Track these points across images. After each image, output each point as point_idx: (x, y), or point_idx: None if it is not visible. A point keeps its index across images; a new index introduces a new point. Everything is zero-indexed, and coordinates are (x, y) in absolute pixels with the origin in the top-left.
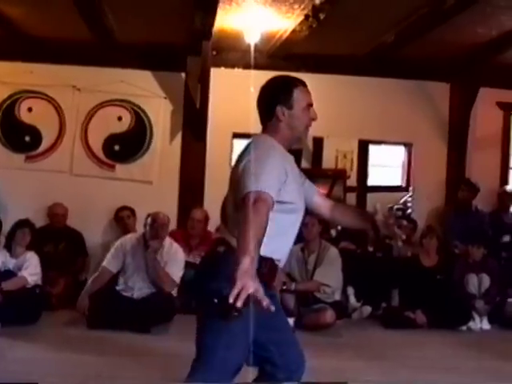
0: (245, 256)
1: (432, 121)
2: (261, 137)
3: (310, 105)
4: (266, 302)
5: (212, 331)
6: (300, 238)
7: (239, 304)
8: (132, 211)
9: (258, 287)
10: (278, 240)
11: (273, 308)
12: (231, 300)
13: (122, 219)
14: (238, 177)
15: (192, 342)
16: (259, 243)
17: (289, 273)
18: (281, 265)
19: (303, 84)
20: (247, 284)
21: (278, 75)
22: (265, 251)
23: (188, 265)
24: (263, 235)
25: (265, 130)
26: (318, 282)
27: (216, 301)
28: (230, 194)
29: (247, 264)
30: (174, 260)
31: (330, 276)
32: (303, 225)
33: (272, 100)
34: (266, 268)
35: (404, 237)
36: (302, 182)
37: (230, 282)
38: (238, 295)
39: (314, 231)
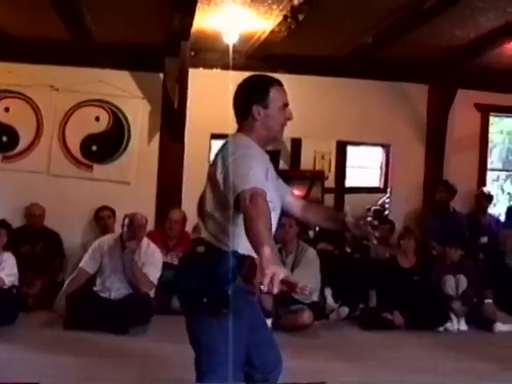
0: (263, 247)
1: (410, 122)
2: (237, 136)
3: (286, 104)
4: (299, 283)
5: (209, 330)
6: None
7: (275, 290)
8: (112, 211)
9: (287, 272)
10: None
11: (307, 290)
12: (265, 289)
13: (103, 219)
14: (216, 176)
15: (169, 343)
16: (270, 231)
17: None
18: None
19: (279, 83)
20: (276, 271)
21: (254, 74)
22: (244, 249)
23: (166, 265)
24: (271, 223)
25: (240, 129)
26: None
27: (205, 300)
28: (208, 191)
29: (268, 253)
30: (152, 261)
31: (308, 277)
32: (281, 226)
33: (248, 99)
34: (247, 266)
35: (377, 235)
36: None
37: (214, 280)
38: (271, 283)
39: (291, 232)
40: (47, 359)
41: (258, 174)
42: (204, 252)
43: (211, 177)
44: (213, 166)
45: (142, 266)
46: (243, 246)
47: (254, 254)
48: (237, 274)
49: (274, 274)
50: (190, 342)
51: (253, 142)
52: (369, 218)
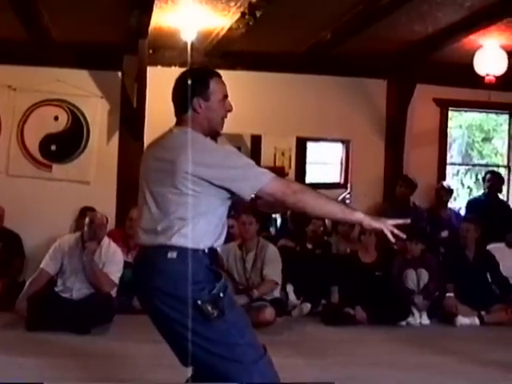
0: (352, 215)
1: (369, 117)
2: (186, 131)
3: (226, 96)
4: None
5: (218, 335)
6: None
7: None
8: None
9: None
10: (220, 230)
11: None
12: (393, 239)
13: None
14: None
15: (131, 342)
16: (329, 199)
17: (227, 270)
18: None
19: (218, 75)
20: (382, 224)
21: (192, 68)
22: (211, 243)
23: (126, 265)
24: (322, 195)
25: (181, 122)
26: (271, 280)
27: (200, 302)
28: (170, 193)
29: (361, 214)
30: (112, 260)
31: (270, 274)
32: (241, 223)
33: (188, 92)
34: (214, 258)
35: None
36: None
37: (201, 282)
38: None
39: (251, 230)
40: (9, 360)
41: (252, 162)
42: (177, 257)
43: (181, 179)
44: (169, 164)
45: (103, 265)
46: (209, 240)
47: (217, 246)
48: (215, 268)
49: (384, 226)
50: (199, 359)
51: (207, 139)
52: None
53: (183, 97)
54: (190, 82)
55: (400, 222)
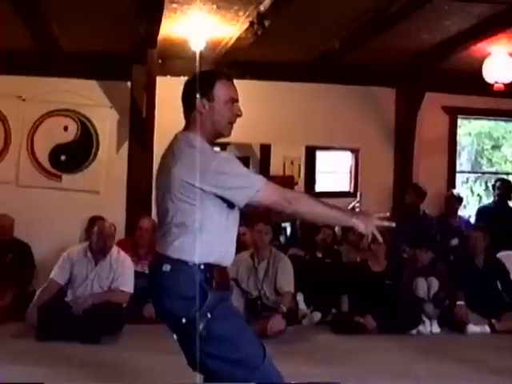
0: (347, 222)
1: (378, 126)
2: (189, 136)
3: (235, 100)
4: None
5: (220, 342)
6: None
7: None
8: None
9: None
10: (228, 240)
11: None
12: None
13: None
14: (185, 183)
15: (141, 352)
16: (327, 206)
17: (236, 279)
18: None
19: (228, 78)
20: (366, 226)
21: (201, 70)
22: (209, 259)
23: (137, 274)
24: (318, 203)
25: (187, 124)
26: (288, 291)
27: (184, 321)
28: (173, 200)
29: (354, 221)
30: (123, 270)
31: (290, 285)
32: (256, 232)
33: (194, 92)
34: (217, 275)
35: None
36: None
37: (191, 299)
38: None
39: (266, 239)
40: (19, 370)
41: (249, 170)
42: (170, 271)
43: (178, 187)
44: (178, 176)
45: (114, 276)
46: (212, 251)
47: (224, 262)
48: (207, 287)
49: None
50: (205, 366)
51: (205, 143)
52: None
53: (189, 97)
54: (196, 82)
55: (385, 224)
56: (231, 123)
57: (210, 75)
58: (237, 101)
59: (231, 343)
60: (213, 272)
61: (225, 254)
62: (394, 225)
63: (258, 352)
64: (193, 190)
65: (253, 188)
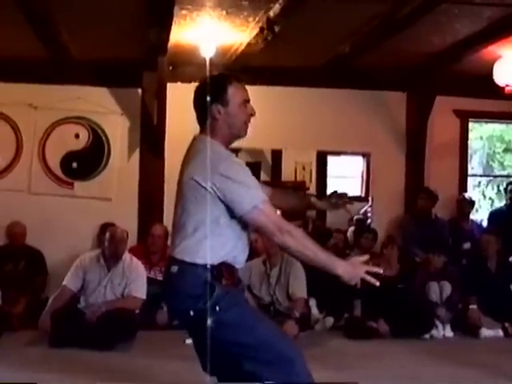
0: (333, 269)
1: (389, 130)
2: (206, 140)
3: (247, 101)
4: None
5: (235, 328)
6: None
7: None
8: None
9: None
10: (237, 246)
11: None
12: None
13: None
14: (198, 185)
15: (154, 358)
16: (318, 248)
17: (249, 285)
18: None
19: (238, 80)
20: (355, 275)
21: (212, 74)
22: (216, 259)
23: (149, 281)
24: (310, 242)
25: (203, 130)
26: (301, 297)
27: (192, 313)
28: (184, 202)
29: (340, 271)
30: (136, 276)
31: (302, 290)
32: (267, 239)
33: (207, 99)
34: (227, 273)
35: (352, 213)
36: None
37: (199, 297)
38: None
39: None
40: (33, 378)
41: (257, 184)
42: (177, 272)
43: (188, 186)
44: (189, 174)
45: (127, 282)
46: (221, 253)
47: (237, 264)
48: (216, 282)
49: (355, 276)
50: (226, 355)
51: (223, 148)
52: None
53: (202, 105)
54: (208, 89)
55: (374, 270)
56: (246, 123)
57: (220, 80)
58: (249, 101)
59: (246, 328)
60: (221, 270)
61: (234, 256)
62: (381, 271)
63: (280, 339)
64: (200, 190)
65: (251, 203)
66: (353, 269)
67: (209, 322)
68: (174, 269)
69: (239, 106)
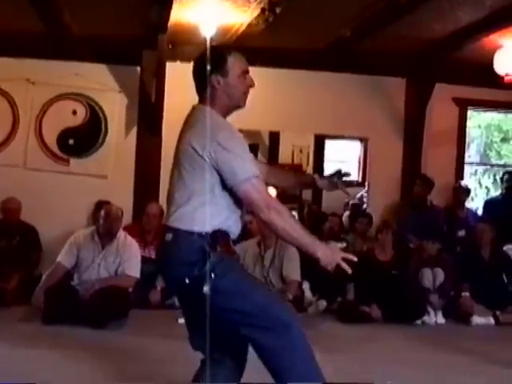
0: (314, 253)
1: (388, 116)
2: (205, 109)
3: (247, 72)
4: (350, 256)
5: (231, 295)
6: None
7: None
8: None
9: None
10: (231, 217)
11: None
12: (349, 270)
13: None
14: (196, 153)
15: (147, 337)
16: (303, 230)
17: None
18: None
19: (237, 51)
20: (332, 260)
21: (211, 46)
22: (211, 227)
23: (144, 260)
24: (296, 223)
25: (202, 100)
26: (294, 280)
27: (187, 281)
28: (181, 170)
29: (319, 255)
30: (130, 255)
31: (296, 273)
32: (261, 221)
33: (206, 69)
34: (223, 240)
35: (351, 195)
36: None
37: (194, 264)
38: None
39: None
40: (25, 353)
41: (252, 159)
42: (172, 239)
43: (185, 155)
44: (187, 141)
45: (120, 260)
46: (216, 222)
47: (231, 233)
48: (210, 250)
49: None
50: (225, 322)
51: (221, 118)
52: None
53: (202, 75)
54: (208, 59)
55: (350, 257)
56: (246, 94)
57: (219, 51)
58: (248, 72)
59: (241, 294)
60: (216, 237)
61: (228, 226)
62: (350, 271)
63: (276, 304)
64: (197, 159)
65: (244, 175)
66: (331, 254)
67: (204, 288)
68: (169, 237)
69: (238, 76)
